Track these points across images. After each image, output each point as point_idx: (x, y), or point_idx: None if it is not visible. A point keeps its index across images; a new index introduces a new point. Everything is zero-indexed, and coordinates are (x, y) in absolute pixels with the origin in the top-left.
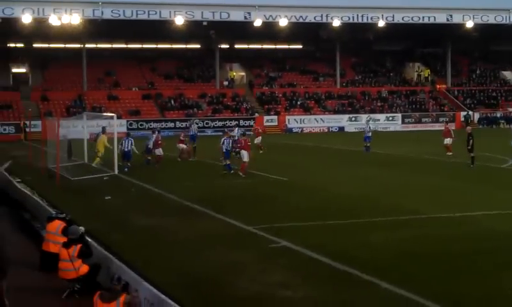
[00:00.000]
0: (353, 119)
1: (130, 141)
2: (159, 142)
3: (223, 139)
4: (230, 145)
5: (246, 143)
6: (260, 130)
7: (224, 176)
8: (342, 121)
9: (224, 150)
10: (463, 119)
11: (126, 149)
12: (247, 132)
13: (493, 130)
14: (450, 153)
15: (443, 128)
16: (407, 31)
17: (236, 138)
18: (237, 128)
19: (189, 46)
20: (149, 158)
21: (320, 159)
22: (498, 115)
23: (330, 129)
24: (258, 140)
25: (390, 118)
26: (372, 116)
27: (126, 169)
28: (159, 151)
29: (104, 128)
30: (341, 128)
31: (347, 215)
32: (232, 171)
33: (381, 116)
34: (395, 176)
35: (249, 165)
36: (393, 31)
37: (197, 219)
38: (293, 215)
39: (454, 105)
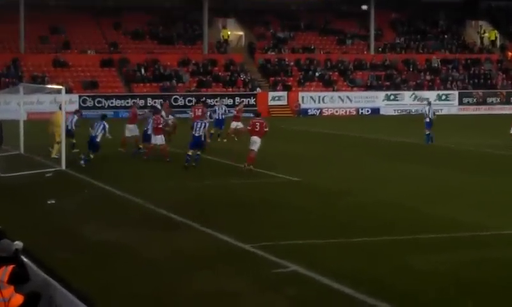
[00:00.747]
0: (392, 97)
1: (102, 125)
2: (159, 125)
3: (194, 122)
4: (202, 129)
5: (262, 127)
6: (242, 111)
7: (212, 175)
8: (377, 100)
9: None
10: None
11: (93, 135)
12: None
13: None
14: None
15: None
16: None
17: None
18: (197, 108)
19: None
20: (140, 147)
21: (345, 153)
22: None
23: (360, 111)
24: (236, 125)
25: (443, 97)
26: (419, 93)
27: (82, 162)
28: (158, 140)
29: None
30: (375, 110)
31: (380, 230)
32: (194, 164)
33: (431, 94)
34: (446, 177)
35: (242, 161)
36: None
37: (175, 232)
38: (306, 229)
39: None
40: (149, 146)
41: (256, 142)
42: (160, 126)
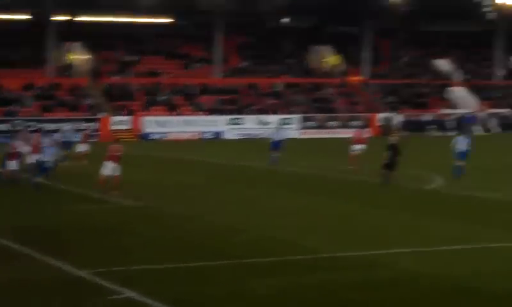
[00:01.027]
0: (235, 121)
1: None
2: (14, 150)
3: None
4: (48, 155)
5: (113, 152)
6: (89, 135)
7: (57, 201)
8: (220, 124)
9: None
10: (382, 123)
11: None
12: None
13: (420, 138)
14: (352, 167)
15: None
16: (313, 2)
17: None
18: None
19: (13, 16)
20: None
21: (189, 177)
22: (428, 119)
23: (203, 135)
24: (82, 148)
25: (286, 121)
26: (262, 117)
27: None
28: (12, 165)
29: None
30: (218, 134)
31: (219, 255)
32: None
33: (274, 118)
34: (287, 201)
35: (89, 186)
36: (294, 1)
37: (8, 261)
38: (145, 254)
39: (370, 105)
40: (5, 171)
41: (110, 167)
42: (15, 151)
